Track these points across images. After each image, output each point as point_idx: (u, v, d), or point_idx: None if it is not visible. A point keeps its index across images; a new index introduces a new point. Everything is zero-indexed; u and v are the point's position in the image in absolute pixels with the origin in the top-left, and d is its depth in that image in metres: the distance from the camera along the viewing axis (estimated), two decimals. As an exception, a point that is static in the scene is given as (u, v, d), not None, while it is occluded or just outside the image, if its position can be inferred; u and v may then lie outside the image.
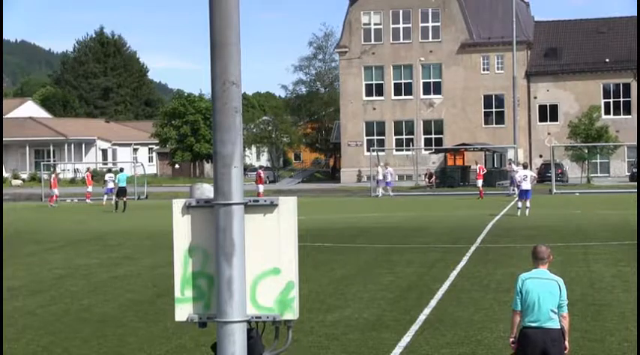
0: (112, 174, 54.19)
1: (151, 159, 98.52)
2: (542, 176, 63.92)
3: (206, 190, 6.00)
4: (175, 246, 5.81)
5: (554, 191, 53.98)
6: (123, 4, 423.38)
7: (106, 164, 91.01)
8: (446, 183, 65.63)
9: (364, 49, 77.08)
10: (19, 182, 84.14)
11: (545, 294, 8.76)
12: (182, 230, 5.80)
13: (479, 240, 26.41)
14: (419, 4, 75.97)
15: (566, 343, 8.85)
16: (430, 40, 76.23)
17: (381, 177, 56.10)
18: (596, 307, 15.14)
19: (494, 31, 75.13)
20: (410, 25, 76.47)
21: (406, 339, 12.97)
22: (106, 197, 51.73)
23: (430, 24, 76.30)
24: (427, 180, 68.06)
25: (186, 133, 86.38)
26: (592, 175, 67.79)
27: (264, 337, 6.13)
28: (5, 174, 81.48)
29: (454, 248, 24.38)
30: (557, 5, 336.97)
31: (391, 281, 18.58)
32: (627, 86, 73.84)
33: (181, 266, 5.81)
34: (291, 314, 5.74)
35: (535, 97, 75.39)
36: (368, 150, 72.67)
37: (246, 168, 78.17)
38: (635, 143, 61.09)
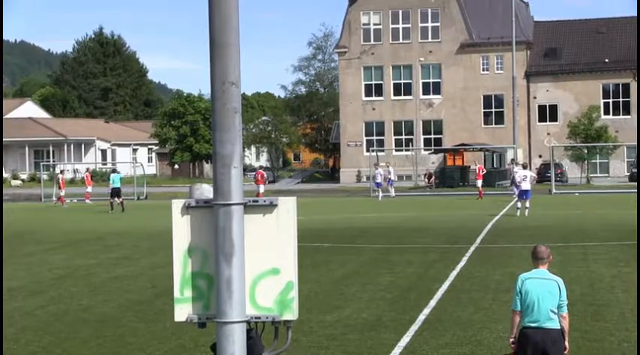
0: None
1: (150, 160, 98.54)
2: (542, 176, 63.95)
3: (205, 190, 6.00)
4: (175, 246, 5.81)
5: (554, 191, 53.99)
6: (122, 4, 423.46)
7: (105, 164, 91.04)
8: (445, 184, 65.63)
9: (363, 49, 77.10)
10: (18, 182, 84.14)
11: (544, 294, 8.76)
12: (181, 230, 5.80)
13: (478, 240, 26.42)
14: (418, 5, 75.99)
15: (566, 343, 8.85)
16: (430, 40, 76.25)
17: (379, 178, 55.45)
18: (596, 307, 15.14)
19: (494, 31, 75.14)
20: (409, 26, 76.49)
21: (405, 339, 12.97)
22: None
23: (430, 24, 76.32)
24: (426, 180, 68.07)
25: (186, 133, 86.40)
26: (591, 175, 67.82)
27: (264, 337, 6.13)
28: (5, 175, 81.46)
29: (453, 248, 24.39)
30: (556, 5, 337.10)
31: (391, 281, 18.58)
32: (627, 86, 73.87)
33: (181, 267, 5.81)
34: (291, 314, 5.74)
35: (534, 97, 75.42)
36: (367, 150, 72.71)
37: (246, 169, 78.15)
38: (635, 143, 61.13)
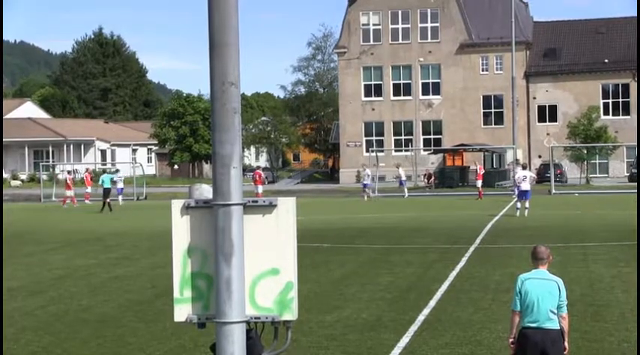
0: (121, 175, 54.34)
1: (149, 160, 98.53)
2: (542, 176, 63.93)
3: (205, 191, 6.00)
4: (174, 246, 5.81)
5: (553, 191, 53.98)
6: (122, 4, 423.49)
7: (105, 165, 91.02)
8: (445, 184, 65.64)
9: (363, 50, 77.10)
10: (18, 183, 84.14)
11: (544, 295, 8.76)
12: (181, 230, 5.80)
13: (478, 240, 26.42)
14: (418, 5, 76.00)
15: (566, 344, 8.86)
16: (429, 40, 76.25)
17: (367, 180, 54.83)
18: (596, 307, 15.15)
19: (494, 31, 75.14)
20: (409, 26, 76.50)
21: (405, 340, 12.97)
22: (121, 197, 51.90)
23: (429, 24, 76.33)
24: (426, 180, 68.08)
25: (185, 134, 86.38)
26: (591, 176, 67.83)
27: (263, 337, 6.13)
28: (4, 175, 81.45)
29: (453, 248, 24.39)
30: (556, 5, 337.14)
31: (390, 281, 18.58)
32: (626, 86, 73.88)
33: (180, 267, 5.81)
34: (290, 314, 5.74)
35: (534, 98, 75.43)
36: (367, 150, 72.73)
37: (245, 169, 78.15)
38: (635, 143, 61.16)
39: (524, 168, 38.81)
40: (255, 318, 5.71)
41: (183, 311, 5.82)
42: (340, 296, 16.93)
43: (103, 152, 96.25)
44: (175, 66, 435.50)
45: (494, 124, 75.79)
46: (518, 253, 22.39)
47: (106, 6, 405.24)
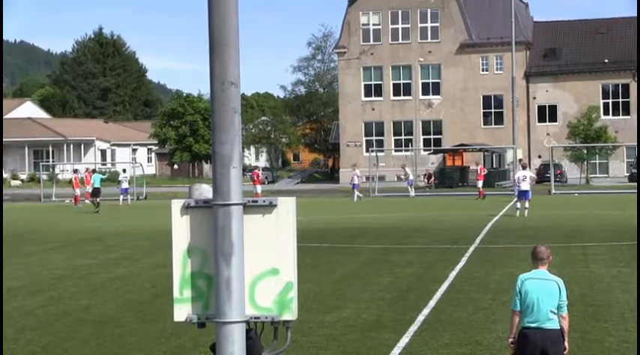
0: (126, 174, 54.30)
1: (149, 160, 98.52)
2: (542, 176, 63.93)
3: (205, 190, 6.00)
4: (174, 246, 5.81)
5: (553, 191, 53.96)
6: (122, 4, 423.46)
7: (105, 164, 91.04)
8: (445, 184, 65.66)
9: (363, 50, 77.11)
10: (18, 182, 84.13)
11: (544, 295, 8.76)
12: (181, 230, 5.80)
13: (478, 240, 26.41)
14: (418, 5, 76.01)
15: (566, 344, 8.86)
16: (429, 40, 76.26)
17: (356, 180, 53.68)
18: (595, 308, 15.14)
19: (494, 31, 75.16)
20: (409, 26, 76.50)
21: (405, 340, 12.97)
22: (122, 197, 51.95)
23: (429, 24, 76.33)
24: (426, 180, 68.08)
25: (185, 134, 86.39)
26: (591, 176, 67.84)
27: (263, 337, 6.13)
28: (4, 175, 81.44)
29: (453, 248, 24.39)
30: (556, 5, 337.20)
31: (390, 281, 18.58)
32: (626, 86, 73.89)
33: (180, 267, 5.81)
34: (290, 314, 5.74)
35: (534, 98, 75.44)
36: (367, 150, 72.72)
37: (245, 169, 78.17)
38: (634, 143, 61.16)
39: (524, 167, 38.81)
40: (255, 318, 5.71)
41: (183, 311, 5.82)
42: (340, 296, 16.93)
43: (103, 152, 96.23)
44: (175, 66, 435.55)
45: (494, 124, 75.80)
46: (518, 253, 22.39)
47: (106, 6, 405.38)
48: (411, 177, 56.83)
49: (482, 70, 75.59)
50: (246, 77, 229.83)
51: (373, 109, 77.36)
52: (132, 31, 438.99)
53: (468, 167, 69.00)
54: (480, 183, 51.88)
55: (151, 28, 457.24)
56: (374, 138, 77.24)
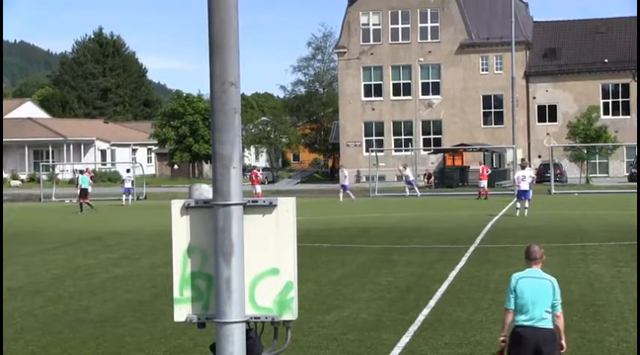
0: (130, 174, 54.31)
1: (149, 160, 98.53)
2: (542, 176, 63.92)
3: (205, 191, 6.00)
4: (174, 246, 5.81)
5: (553, 191, 53.97)
6: (122, 4, 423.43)
7: (105, 164, 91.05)
8: (445, 184, 65.65)
9: (363, 50, 77.11)
10: (17, 183, 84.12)
11: (539, 294, 8.78)
12: (181, 230, 5.80)
13: (478, 240, 26.42)
14: (418, 5, 76.01)
15: (563, 342, 8.88)
16: (429, 40, 76.25)
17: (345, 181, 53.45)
18: (595, 307, 15.15)
19: (493, 31, 75.16)
20: (409, 26, 76.50)
21: (405, 340, 12.97)
22: (124, 197, 52.00)
23: (429, 24, 76.33)
24: (426, 180, 68.06)
25: (185, 134, 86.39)
26: (591, 175, 67.82)
27: (263, 337, 6.13)
28: (4, 175, 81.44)
29: (453, 248, 24.39)
30: (556, 5, 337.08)
31: (390, 281, 18.58)
32: (626, 86, 73.90)
33: (180, 267, 5.81)
34: (290, 314, 5.74)
35: (534, 98, 75.44)
36: (367, 150, 72.69)
37: (245, 169, 78.20)
38: (634, 143, 61.19)
39: (523, 167, 38.79)
40: (255, 318, 5.72)
41: (183, 311, 5.82)
42: (340, 296, 16.93)
43: (103, 152, 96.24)
44: (175, 66, 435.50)
45: (494, 124, 75.80)
46: (518, 253, 22.32)
47: (106, 6, 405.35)
48: (412, 178, 56.77)
49: (482, 70, 75.59)
50: (246, 77, 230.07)
51: (373, 109, 77.36)
52: (132, 31, 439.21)
53: (468, 167, 69.00)
54: (484, 183, 51.53)
55: (151, 28, 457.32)
56: (374, 138, 77.24)
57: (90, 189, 53.99)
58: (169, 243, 5.93)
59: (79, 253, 25.44)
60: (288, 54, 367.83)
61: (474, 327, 13.67)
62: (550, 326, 8.78)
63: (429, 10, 76.09)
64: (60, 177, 76.96)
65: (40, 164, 73.12)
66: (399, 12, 76.47)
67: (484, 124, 76.08)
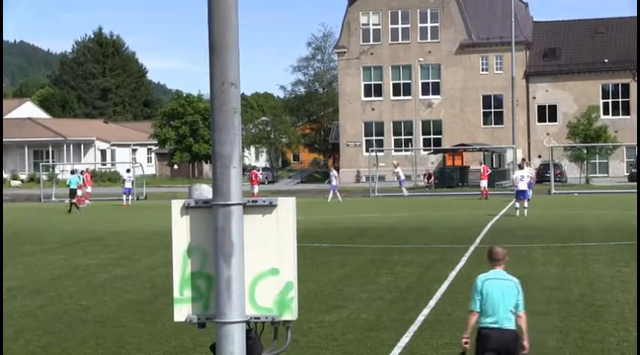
0: (130, 174, 54.31)
1: (149, 160, 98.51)
2: (542, 176, 63.92)
3: (204, 191, 6.00)
4: (174, 246, 5.81)
5: (553, 191, 53.98)
6: (122, 4, 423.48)
7: (105, 164, 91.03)
8: (445, 184, 65.63)
9: (363, 50, 77.11)
10: (17, 183, 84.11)
11: (504, 295, 8.91)
12: (181, 230, 5.80)
13: (478, 240, 26.41)
14: (417, 5, 76.01)
15: (525, 343, 8.95)
16: (429, 40, 76.26)
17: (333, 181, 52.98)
18: (595, 307, 15.14)
19: (493, 31, 75.16)
20: (409, 26, 76.50)
21: (405, 340, 12.97)
22: (125, 197, 52.02)
23: (429, 24, 76.33)
24: (426, 180, 68.07)
25: (185, 134, 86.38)
26: (591, 175, 67.81)
27: (263, 337, 6.13)
28: (4, 175, 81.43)
29: (453, 248, 24.39)
30: (556, 5, 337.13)
31: (390, 281, 18.58)
32: (626, 86, 73.90)
33: (180, 267, 5.81)
34: (290, 314, 5.74)
35: (534, 98, 75.44)
36: (367, 150, 72.69)
37: (245, 169, 78.19)
38: (634, 143, 61.20)
39: (520, 167, 38.77)
40: (255, 318, 5.72)
41: (183, 311, 5.82)
42: (340, 296, 16.93)
43: (103, 152, 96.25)
44: (175, 66, 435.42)
45: (494, 124, 75.81)
46: (517, 253, 22.37)
47: (106, 6, 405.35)
48: (402, 177, 56.75)
49: (482, 70, 75.59)
50: (246, 77, 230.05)
51: (373, 109, 77.36)
52: (132, 31, 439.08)
53: (468, 167, 68.99)
54: (485, 183, 51.57)
55: (151, 28, 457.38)
56: (374, 138, 77.23)
57: (89, 190, 54.16)
58: (169, 243, 5.93)
59: (79, 253, 25.44)
60: (288, 54, 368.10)
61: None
62: (513, 326, 8.89)
63: (428, 10, 76.10)
64: (60, 177, 76.82)
65: (40, 164, 73.10)
66: (399, 12, 76.48)
67: (484, 124, 76.09)
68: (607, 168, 73.26)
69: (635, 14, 68.56)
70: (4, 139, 74.67)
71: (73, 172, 50.60)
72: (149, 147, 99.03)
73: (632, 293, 16.05)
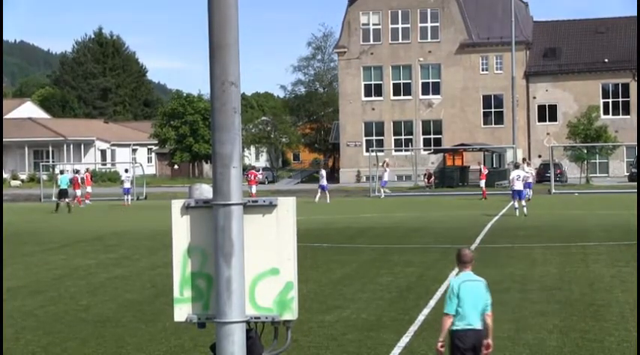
0: (128, 174, 54.32)
1: (150, 160, 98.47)
2: (542, 176, 63.90)
3: (205, 190, 6.00)
4: (174, 246, 5.81)
5: (553, 191, 53.98)
6: (122, 4, 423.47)
7: (105, 164, 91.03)
8: (445, 184, 65.61)
9: (363, 50, 77.09)
10: (17, 183, 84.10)
11: (477, 296, 9.06)
12: (181, 230, 5.80)
13: (478, 240, 26.42)
14: (418, 5, 75.99)
15: (489, 341, 9.04)
16: (429, 40, 76.24)
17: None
18: (595, 307, 15.14)
19: (493, 31, 75.14)
20: (409, 26, 76.48)
21: (405, 340, 12.98)
22: (125, 197, 52.04)
23: (429, 24, 76.31)
24: (426, 180, 68.06)
25: (185, 134, 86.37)
26: (591, 175, 67.79)
27: (263, 337, 6.13)
28: (4, 175, 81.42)
29: (453, 248, 24.28)
30: (556, 5, 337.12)
31: (390, 281, 18.58)
32: (626, 86, 73.88)
33: (180, 267, 5.81)
34: (290, 314, 5.74)
35: (534, 97, 75.42)
36: (367, 150, 72.67)
37: (245, 169, 78.20)
38: (634, 143, 61.18)
39: (516, 167, 38.73)
40: (255, 318, 5.72)
41: (183, 311, 5.82)
42: (340, 296, 16.93)
43: (103, 152, 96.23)
44: (175, 66, 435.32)
45: (494, 124, 75.79)
46: (517, 253, 22.39)
47: (105, 6, 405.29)
48: (386, 179, 56.65)
49: (482, 70, 75.57)
50: (246, 77, 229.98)
51: (373, 109, 77.35)
52: (132, 31, 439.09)
53: (468, 167, 68.98)
54: (483, 183, 51.68)
55: (151, 28, 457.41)
56: (374, 138, 77.22)
57: (90, 189, 54.19)
58: (169, 243, 5.93)
59: (79, 253, 25.44)
60: (288, 54, 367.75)
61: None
62: (482, 326, 8.99)
63: (429, 10, 76.08)
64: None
65: (40, 164, 73.06)
66: (399, 12, 76.46)
67: (484, 124, 76.07)
68: (607, 168, 73.23)
69: (635, 14, 68.58)
70: (4, 139, 74.63)
71: (62, 172, 50.59)
72: (149, 147, 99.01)
73: (632, 293, 16.05)
